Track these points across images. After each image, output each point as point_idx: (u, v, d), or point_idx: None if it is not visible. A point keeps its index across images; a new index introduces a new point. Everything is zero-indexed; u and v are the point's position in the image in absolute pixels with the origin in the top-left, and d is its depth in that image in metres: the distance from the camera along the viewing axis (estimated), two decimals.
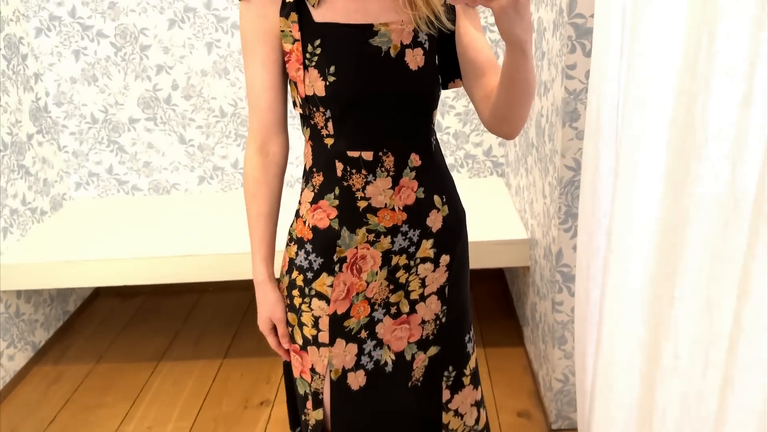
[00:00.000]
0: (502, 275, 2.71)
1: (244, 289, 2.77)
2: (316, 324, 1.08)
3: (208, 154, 2.57)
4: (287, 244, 1.13)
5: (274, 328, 1.13)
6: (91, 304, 2.73)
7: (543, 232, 1.83)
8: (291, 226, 1.13)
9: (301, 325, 1.10)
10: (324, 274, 1.07)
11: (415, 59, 1.01)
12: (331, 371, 1.10)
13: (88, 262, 2.16)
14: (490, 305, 2.52)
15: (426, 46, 1.01)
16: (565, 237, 1.63)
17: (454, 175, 2.57)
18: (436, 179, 1.09)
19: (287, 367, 1.20)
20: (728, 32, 0.72)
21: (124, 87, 2.46)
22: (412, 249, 1.08)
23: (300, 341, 1.11)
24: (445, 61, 1.05)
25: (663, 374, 0.93)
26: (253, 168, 1.06)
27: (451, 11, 1.03)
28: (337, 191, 1.04)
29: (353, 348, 1.10)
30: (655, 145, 0.93)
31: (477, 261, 2.08)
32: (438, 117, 2.48)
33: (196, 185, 2.63)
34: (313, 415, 1.12)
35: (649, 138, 0.94)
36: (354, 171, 1.03)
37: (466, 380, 1.20)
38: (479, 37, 1.02)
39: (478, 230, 2.09)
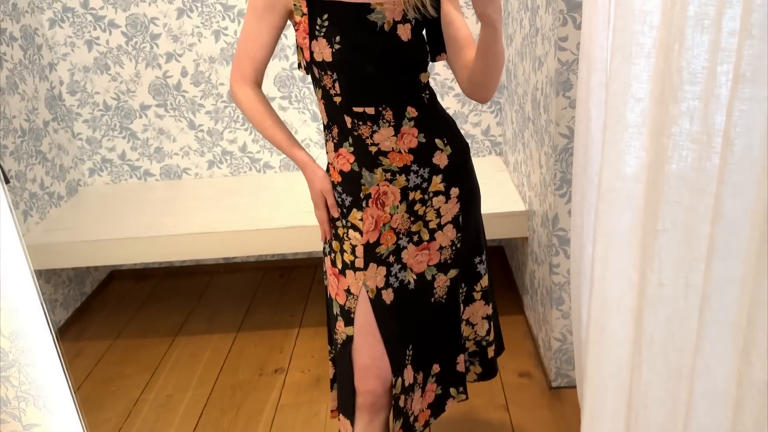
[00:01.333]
0: (503, 252, 2.81)
1: (254, 269, 2.87)
2: (353, 251, 1.29)
3: (217, 138, 2.67)
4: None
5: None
6: (107, 286, 2.83)
7: (540, 201, 1.93)
8: (327, 171, 1.33)
9: (342, 251, 1.31)
10: (354, 210, 1.28)
11: (405, 32, 1.20)
12: (367, 291, 1.29)
13: (104, 242, 2.26)
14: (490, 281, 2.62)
15: (413, 23, 1.20)
16: (560, 202, 1.74)
17: None
18: (434, 125, 1.28)
19: (325, 290, 1.39)
20: None
21: (136, 75, 2.56)
22: (424, 185, 1.28)
23: (339, 266, 1.31)
24: (432, 39, 1.25)
25: (649, 303, 1.03)
26: (254, 95, 1.27)
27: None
28: (350, 140, 1.25)
29: (383, 270, 1.30)
30: (639, 95, 1.03)
31: None
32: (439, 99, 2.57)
33: (206, 169, 2.73)
34: (345, 331, 1.31)
35: (634, 90, 1.04)
36: (360, 123, 1.23)
37: (477, 296, 1.43)
38: (459, 18, 1.23)
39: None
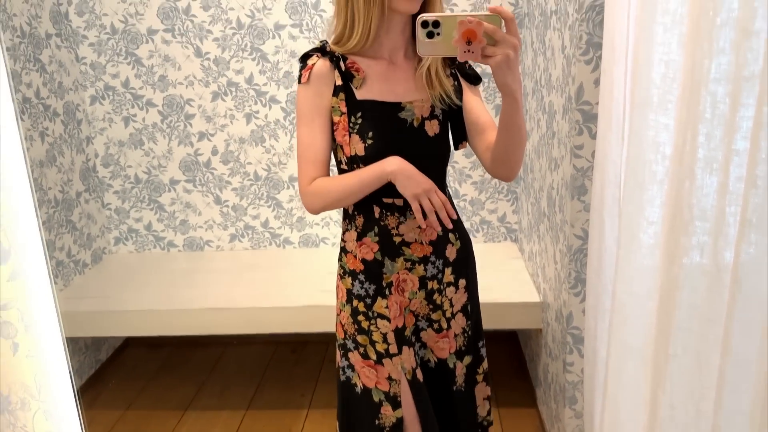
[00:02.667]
0: (516, 338, 2.81)
1: (267, 343, 2.88)
2: (385, 339, 1.35)
3: (241, 213, 2.75)
4: (341, 278, 1.39)
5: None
6: (122, 354, 2.86)
7: (554, 296, 1.95)
8: (340, 261, 1.40)
9: (373, 343, 1.36)
10: (379, 298, 1.35)
11: (432, 128, 1.30)
12: (405, 373, 1.36)
13: (123, 313, 2.31)
14: (504, 367, 2.61)
15: (440, 118, 1.31)
16: (575, 301, 1.76)
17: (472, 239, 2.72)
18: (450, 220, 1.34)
19: (344, 386, 1.41)
20: (706, 134, 0.88)
21: (168, 151, 2.68)
22: (439, 276, 1.37)
23: (374, 357, 1.36)
24: (455, 128, 1.34)
25: (661, 424, 1.04)
26: (320, 182, 1.28)
27: (458, 90, 1.32)
28: (376, 230, 1.33)
29: (411, 351, 1.39)
30: (652, 219, 1.08)
31: (492, 322, 2.20)
32: (455, 185, 2.65)
33: (228, 242, 2.80)
34: (394, 415, 1.36)
35: (647, 213, 1.08)
36: (389, 213, 1.32)
37: (479, 378, 1.50)
38: (479, 104, 1.34)
39: (492, 292, 2.22)
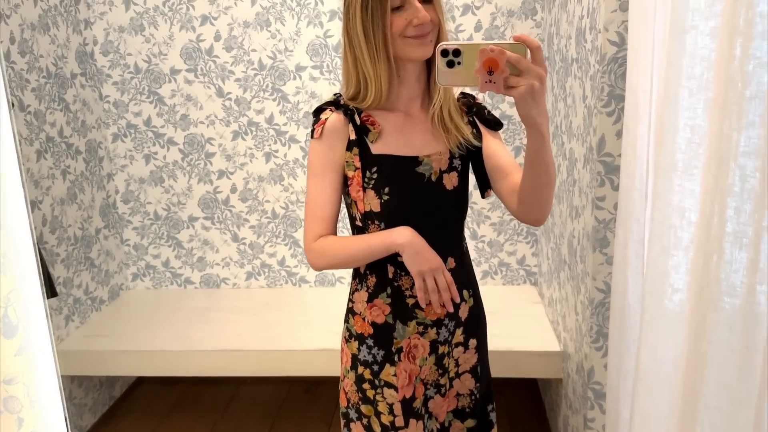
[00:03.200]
0: (536, 384, 2.74)
1: (280, 382, 2.85)
2: (391, 411, 1.27)
3: (257, 251, 2.75)
4: (346, 341, 1.31)
5: None
6: (135, 391, 2.84)
7: (575, 348, 1.90)
8: (347, 323, 1.31)
9: (378, 414, 1.28)
10: (387, 365, 1.26)
11: (450, 181, 1.25)
12: None
13: (137, 353, 2.30)
14: (523, 413, 2.54)
15: (459, 169, 1.26)
16: (596, 355, 1.71)
17: (488, 281, 2.68)
18: (465, 277, 1.30)
19: None
20: (736, 206, 0.85)
21: (188, 188, 2.69)
22: (450, 338, 1.29)
23: (378, 429, 1.28)
24: (480, 176, 1.29)
25: None
26: (324, 240, 1.23)
27: (477, 136, 1.27)
28: (389, 290, 1.25)
29: (421, 425, 1.29)
30: (677, 286, 1.04)
31: (511, 370, 2.15)
32: (474, 226, 2.62)
33: (244, 280, 2.79)
34: None
35: (672, 280, 1.05)
36: (403, 273, 1.24)
37: None
38: (501, 147, 1.28)
39: (512, 339, 2.17)
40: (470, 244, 2.63)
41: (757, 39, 0.80)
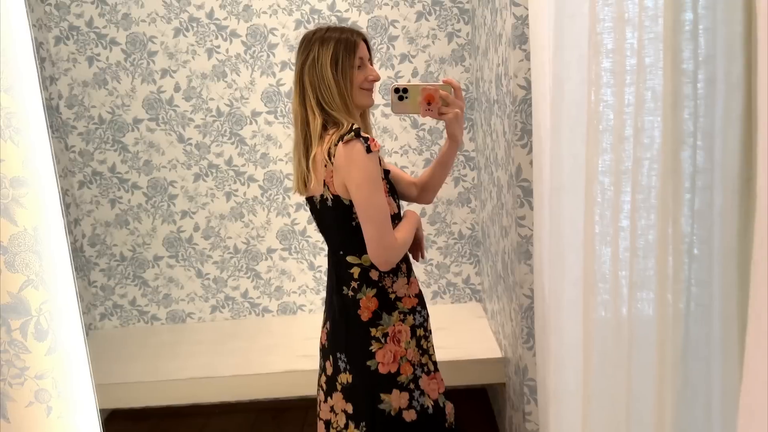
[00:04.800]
0: (485, 395, 2.96)
1: (248, 410, 2.99)
2: (433, 348, 1.64)
3: (221, 285, 2.92)
4: (402, 321, 1.54)
5: None
6: (107, 427, 2.93)
7: (513, 351, 2.14)
8: (393, 312, 1.53)
9: (430, 355, 1.61)
10: (429, 318, 1.63)
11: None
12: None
13: (109, 386, 2.42)
14: (476, 422, 2.76)
15: None
16: (528, 354, 1.95)
17: (438, 300, 2.92)
18: None
19: (421, 416, 1.54)
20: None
21: (152, 230, 2.86)
22: (425, 324, 1.65)
23: (432, 367, 1.61)
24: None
25: None
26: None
27: None
28: (412, 269, 1.63)
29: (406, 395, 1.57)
30: (573, 283, 1.29)
31: (460, 378, 2.38)
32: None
33: (209, 314, 2.95)
34: (452, 407, 1.62)
35: (568, 278, 1.30)
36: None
37: None
38: (397, 169, 1.75)
39: (459, 351, 2.41)
40: (420, 268, 2.87)
41: (603, 87, 1.08)
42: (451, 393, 1.78)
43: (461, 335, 2.57)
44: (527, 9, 1.71)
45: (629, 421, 1.06)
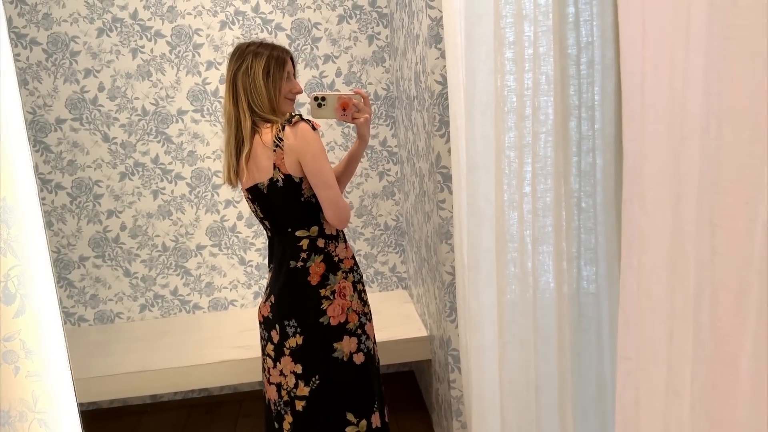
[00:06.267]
0: (413, 376, 3.14)
1: (181, 407, 3.01)
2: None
3: (150, 284, 2.93)
4: (344, 279, 1.77)
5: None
6: None
7: (437, 327, 2.32)
8: (337, 272, 1.77)
9: (368, 306, 1.85)
10: (363, 276, 1.80)
11: None
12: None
13: None
14: (404, 404, 2.93)
15: None
16: (451, 327, 2.14)
17: (367, 289, 3.07)
18: None
19: (368, 358, 1.81)
20: None
21: (77, 230, 2.84)
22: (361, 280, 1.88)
23: (371, 316, 1.85)
24: None
25: (506, 397, 1.40)
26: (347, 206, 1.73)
27: None
28: (345, 236, 1.87)
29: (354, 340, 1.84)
30: (488, 249, 1.48)
31: (389, 358, 2.53)
32: (351, 242, 3.01)
33: (138, 313, 2.95)
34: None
35: (484, 245, 1.49)
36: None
37: None
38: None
39: (388, 332, 2.56)
40: None
41: (507, 74, 1.27)
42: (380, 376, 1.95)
43: (389, 320, 2.73)
44: (441, 11, 1.90)
45: (536, 356, 1.25)
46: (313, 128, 1.67)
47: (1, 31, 0.92)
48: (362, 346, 1.80)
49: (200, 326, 2.87)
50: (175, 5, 2.74)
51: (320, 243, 1.75)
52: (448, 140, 2.00)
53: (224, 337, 2.68)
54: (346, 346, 1.78)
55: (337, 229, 1.78)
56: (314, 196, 1.72)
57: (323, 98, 1.75)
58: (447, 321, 2.14)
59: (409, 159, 2.62)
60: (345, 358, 1.77)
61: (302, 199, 1.71)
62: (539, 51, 1.13)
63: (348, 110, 1.75)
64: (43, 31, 2.69)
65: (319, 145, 1.67)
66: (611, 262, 1.04)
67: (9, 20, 2.66)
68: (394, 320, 2.73)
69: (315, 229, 1.74)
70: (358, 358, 1.79)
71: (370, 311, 1.87)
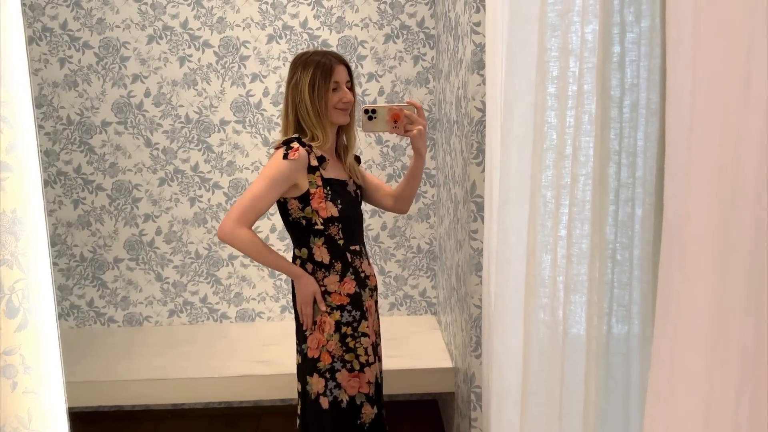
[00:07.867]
0: (436, 406, 3.05)
1: (201, 416, 3.00)
2: (367, 352, 1.75)
3: (180, 290, 2.94)
4: (328, 314, 1.71)
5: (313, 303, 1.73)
6: None
7: (462, 360, 2.24)
8: (326, 303, 1.73)
9: (357, 356, 1.74)
10: (363, 321, 1.75)
11: (358, 194, 1.86)
12: (379, 379, 1.81)
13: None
14: None
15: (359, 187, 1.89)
16: (476, 363, 2.05)
17: (394, 312, 3.01)
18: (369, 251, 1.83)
19: (332, 406, 1.73)
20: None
21: (114, 231, 2.87)
22: (377, 298, 1.85)
23: (358, 367, 1.73)
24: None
25: None
26: (254, 235, 1.66)
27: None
28: (351, 270, 1.75)
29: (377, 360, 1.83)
30: (516, 289, 1.40)
31: (411, 387, 2.46)
32: (381, 263, 2.96)
33: (167, 317, 2.96)
34: (372, 412, 1.75)
35: (512, 285, 1.41)
36: (355, 257, 1.77)
37: None
38: (368, 173, 1.94)
39: (410, 360, 2.49)
40: (378, 280, 2.96)
41: (548, 110, 1.20)
42: (403, 404, 1.87)
43: (415, 346, 2.66)
44: (485, 37, 1.84)
45: (561, 412, 1.17)
46: (286, 156, 1.63)
47: (20, 52, 0.91)
48: (328, 392, 1.72)
49: (226, 336, 2.85)
50: (224, 16, 2.77)
51: (308, 267, 1.73)
52: (483, 169, 1.94)
53: (248, 350, 2.65)
54: (315, 384, 1.73)
55: (330, 259, 1.72)
56: (304, 217, 1.70)
57: (374, 111, 1.70)
58: (472, 356, 2.06)
59: (445, 183, 2.56)
60: (313, 396, 1.74)
61: (290, 219, 1.72)
62: (584, 88, 1.06)
63: (399, 122, 1.68)
64: (96, 36, 2.75)
65: (272, 170, 1.63)
66: (645, 322, 0.96)
67: (64, 23, 2.74)
68: (420, 347, 2.66)
69: (305, 251, 1.74)
70: (324, 402, 1.72)
71: (361, 362, 1.74)
